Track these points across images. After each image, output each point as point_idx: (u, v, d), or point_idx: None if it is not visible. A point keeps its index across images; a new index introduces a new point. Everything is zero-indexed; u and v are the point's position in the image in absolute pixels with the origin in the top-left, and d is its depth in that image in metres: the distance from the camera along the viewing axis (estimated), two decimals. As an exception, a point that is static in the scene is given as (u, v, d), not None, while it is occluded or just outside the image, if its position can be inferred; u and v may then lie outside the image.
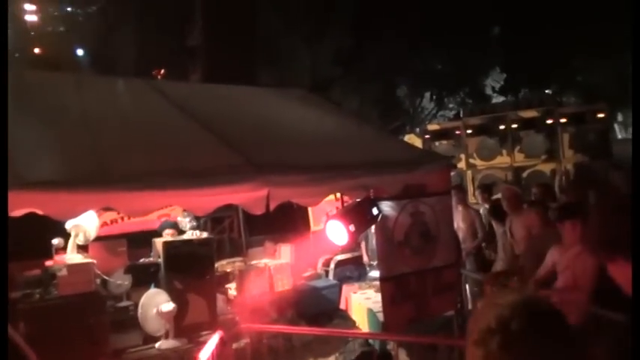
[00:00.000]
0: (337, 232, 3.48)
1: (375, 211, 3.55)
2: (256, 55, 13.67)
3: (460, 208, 5.85)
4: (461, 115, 10.92)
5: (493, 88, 23.04)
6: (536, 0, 17.76)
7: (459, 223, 5.71)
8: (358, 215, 3.46)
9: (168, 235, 5.61)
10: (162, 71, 12.78)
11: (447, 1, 18.28)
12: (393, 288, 3.77)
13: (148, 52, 13.17)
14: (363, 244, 6.17)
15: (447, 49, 20.23)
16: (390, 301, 3.73)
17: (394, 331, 3.68)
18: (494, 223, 5.50)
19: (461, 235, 5.73)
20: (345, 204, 3.81)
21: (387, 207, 3.73)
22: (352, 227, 3.37)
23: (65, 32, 14.43)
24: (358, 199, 3.59)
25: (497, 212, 5.24)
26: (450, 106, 23.90)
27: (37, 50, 14.25)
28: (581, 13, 16.41)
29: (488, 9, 19.32)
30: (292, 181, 3.26)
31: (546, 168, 9.20)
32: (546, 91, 17.45)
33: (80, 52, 14.57)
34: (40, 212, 4.56)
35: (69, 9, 14.41)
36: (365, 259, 6.21)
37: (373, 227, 4.67)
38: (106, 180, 2.72)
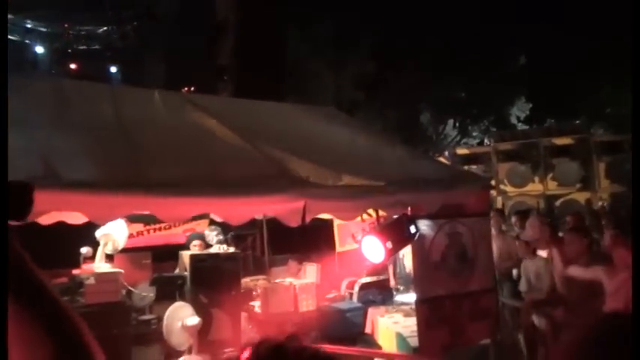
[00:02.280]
0: (373, 249, 3.36)
1: (412, 229, 3.43)
2: (283, 77, 13.88)
3: (495, 233, 5.68)
4: (487, 142, 10.75)
5: (518, 118, 22.78)
6: (562, 30, 17.68)
7: (493, 246, 5.54)
8: (395, 232, 3.35)
9: (195, 247, 5.56)
10: (192, 89, 13.05)
11: (472, 28, 18.32)
12: (427, 311, 3.61)
13: (178, 70, 13.47)
14: (390, 268, 5.99)
15: (471, 77, 20.18)
16: (425, 325, 3.57)
17: (428, 356, 3.50)
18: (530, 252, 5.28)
19: (495, 258, 5.54)
20: (381, 221, 3.69)
21: (424, 226, 3.61)
22: (389, 244, 3.26)
23: (99, 50, 14.91)
24: (395, 216, 3.48)
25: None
26: (474, 134, 23.67)
27: (73, 66, 14.74)
28: (609, 43, 16.24)
29: (515, 37, 19.30)
30: (329, 194, 3.19)
31: (581, 197, 8.91)
32: (575, 122, 17.17)
33: (113, 69, 15.01)
34: (69, 219, 4.59)
35: (104, 28, 14.92)
36: (392, 282, 6.02)
37: (404, 250, 4.56)
38: (144, 185, 2.69)
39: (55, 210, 2.60)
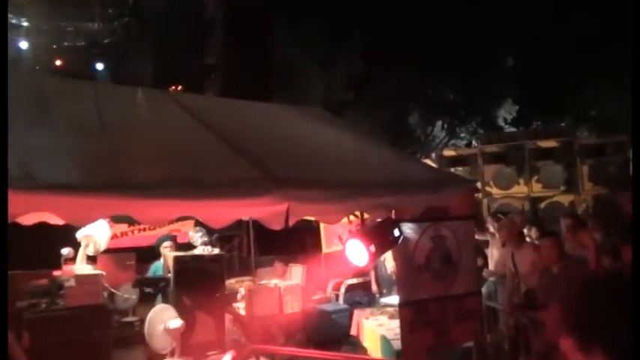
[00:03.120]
0: (357, 252, 3.35)
1: (396, 232, 3.42)
2: (271, 76, 13.82)
3: (497, 236, 5.72)
4: (475, 143, 10.80)
5: (505, 120, 22.97)
6: (550, 33, 17.85)
7: (492, 251, 5.59)
8: (379, 236, 3.33)
9: (166, 249, 5.53)
10: (180, 87, 12.93)
11: (461, 30, 18.42)
12: (411, 314, 3.60)
13: (165, 68, 13.33)
14: (372, 273, 5.98)
15: (460, 79, 20.31)
16: (408, 328, 3.56)
17: (411, 359, 3.49)
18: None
19: (493, 264, 5.60)
20: (365, 224, 3.68)
21: (408, 229, 3.60)
22: (373, 248, 3.24)
23: (86, 46, 14.69)
24: (379, 220, 3.46)
25: None
26: (462, 135, 23.82)
27: (58, 62, 14.50)
28: (596, 46, 16.43)
29: (502, 39, 19.44)
30: (313, 197, 3.16)
31: (565, 199, 9.01)
32: (561, 124, 17.33)
33: (100, 66, 14.80)
34: (51, 220, 4.50)
35: (91, 24, 14.70)
36: (374, 288, 6.02)
37: (386, 253, 4.55)
38: (123, 186, 2.63)
39: (31, 212, 2.54)
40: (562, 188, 9.08)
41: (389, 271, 5.69)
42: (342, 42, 18.33)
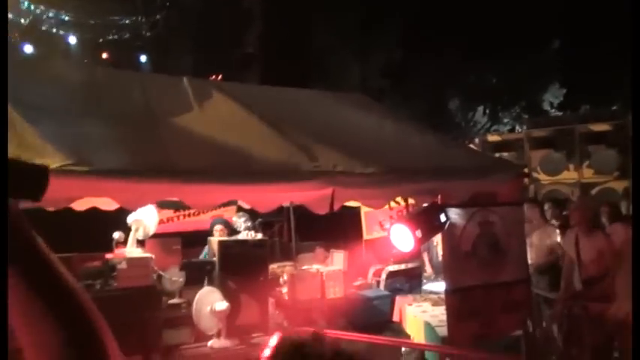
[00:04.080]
0: (403, 238, 3.31)
1: (442, 217, 3.35)
2: (309, 65, 13.79)
3: (535, 223, 5.51)
4: (518, 129, 10.41)
5: (551, 104, 22.03)
6: (599, 13, 16.89)
7: (532, 239, 5.36)
8: (425, 221, 3.28)
9: (217, 232, 5.62)
10: (220, 77, 13.13)
11: (503, 12, 17.70)
12: (458, 301, 3.54)
13: (205, 59, 13.55)
14: (425, 255, 5.92)
15: (503, 62, 19.56)
16: (454, 316, 3.50)
17: (458, 347, 3.44)
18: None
19: (534, 251, 5.38)
20: (410, 209, 3.63)
21: (454, 214, 3.52)
22: (419, 233, 3.20)
23: (129, 40, 15.12)
24: (425, 205, 3.41)
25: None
26: (505, 120, 23.04)
27: (104, 56, 15.01)
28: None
29: (548, 21, 18.56)
30: (358, 182, 3.15)
31: (618, 186, 8.54)
32: (612, 108, 16.48)
33: (143, 58, 15.22)
34: (103, 205, 4.69)
35: (133, 17, 15.11)
36: (428, 270, 5.94)
37: (437, 237, 4.47)
38: (173, 172, 2.70)
39: (86, 196, 2.65)
40: (615, 174, 8.61)
41: (439, 257, 5.64)
42: (379, 29, 18.04)
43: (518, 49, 18.53)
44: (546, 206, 5.79)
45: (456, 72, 19.52)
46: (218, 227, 5.56)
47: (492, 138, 9.98)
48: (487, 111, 22.85)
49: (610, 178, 8.70)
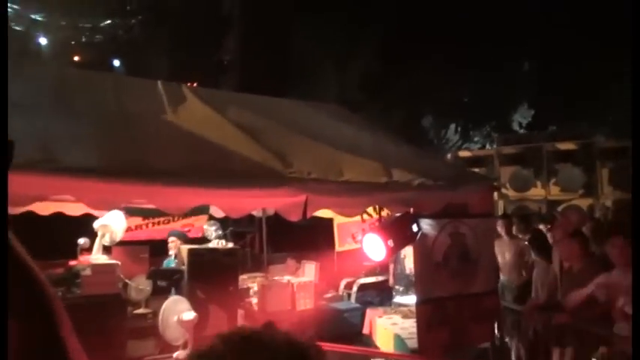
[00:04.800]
0: (375, 247, 3.31)
1: (414, 227, 3.37)
2: (286, 75, 13.81)
3: (507, 238, 5.60)
4: (489, 147, 10.67)
5: (520, 124, 22.70)
6: (567, 37, 17.59)
7: (504, 253, 5.45)
8: (397, 231, 3.29)
9: (172, 244, 5.56)
10: (195, 84, 12.96)
11: (476, 33, 18.25)
12: (429, 312, 3.55)
13: (181, 64, 13.41)
14: (391, 267, 5.93)
15: (475, 82, 20.10)
16: (425, 326, 3.51)
17: (427, 357, 3.44)
18: (535, 257, 5.17)
19: (505, 267, 5.47)
20: (383, 219, 3.63)
21: (426, 225, 3.55)
22: (391, 242, 3.20)
23: (103, 43, 14.85)
24: (397, 214, 3.42)
25: (540, 245, 4.91)
26: (476, 139, 23.59)
27: (76, 58, 14.68)
28: (613, 48, 16.14)
29: (518, 43, 19.23)
30: (331, 189, 3.14)
31: (583, 203, 8.84)
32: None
33: (116, 62, 14.95)
34: (68, 210, 4.53)
35: (108, 21, 14.86)
36: (391, 281, 5.96)
37: (405, 250, 4.50)
38: (144, 173, 2.63)
39: (51, 195, 2.54)
40: (580, 192, 8.91)
41: (407, 270, 5.64)
42: (357, 42, 18.29)
43: (490, 70, 19.09)
44: (514, 221, 5.91)
45: (430, 89, 19.92)
46: (173, 239, 5.48)
47: (464, 154, 10.22)
48: (459, 129, 23.36)
49: (575, 196, 9.00)
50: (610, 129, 19.86)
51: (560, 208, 8.96)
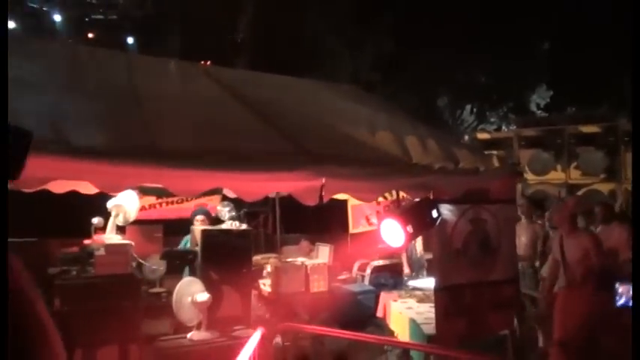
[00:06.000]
0: (393, 233, 3.22)
1: (434, 213, 3.27)
2: (300, 54, 13.59)
3: (524, 221, 5.49)
4: (504, 129, 10.40)
5: (538, 105, 22.17)
6: (587, 16, 16.97)
7: (520, 237, 5.33)
8: (417, 216, 3.19)
9: (198, 222, 5.48)
10: (209, 63, 12.84)
11: (493, 11, 17.70)
12: (447, 299, 3.47)
13: (194, 43, 13.27)
14: (404, 255, 5.85)
15: (492, 62, 19.59)
16: (443, 314, 3.43)
17: (445, 345, 3.37)
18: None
19: (520, 250, 5.35)
20: (401, 204, 3.53)
21: (446, 211, 3.44)
22: (410, 228, 3.10)
23: (117, 20, 14.74)
24: (417, 199, 3.32)
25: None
26: (492, 120, 23.14)
27: (90, 35, 14.62)
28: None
29: (537, 22, 18.62)
30: (349, 173, 3.04)
31: (604, 188, 8.60)
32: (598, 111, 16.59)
33: (130, 40, 14.86)
34: (82, 188, 4.50)
35: (122, -2, 14.75)
36: (406, 270, 5.88)
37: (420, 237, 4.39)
38: (155, 155, 2.55)
39: (62, 177, 2.48)
40: (602, 176, 8.66)
41: (419, 254, 5.55)
42: (371, 22, 17.89)
43: (508, 49, 18.57)
44: (521, 203, 5.78)
45: (445, 69, 19.49)
46: (200, 217, 5.40)
47: (482, 136, 9.97)
48: (475, 110, 22.91)
49: (596, 180, 8.76)
50: (630, 112, 19.29)
51: (580, 192, 8.76)
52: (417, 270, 5.68)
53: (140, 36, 14.83)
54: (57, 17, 14.61)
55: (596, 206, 5.29)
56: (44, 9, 14.61)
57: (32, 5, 14.40)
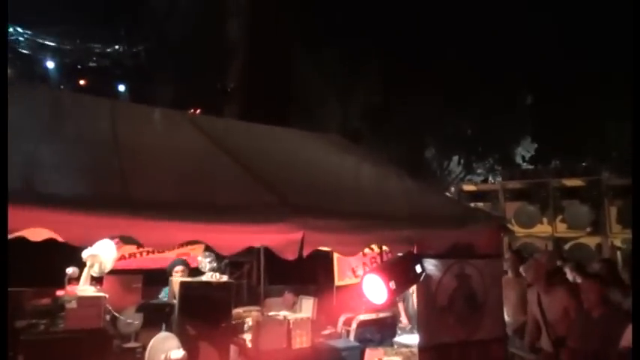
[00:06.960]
0: (375, 289, 3.10)
1: (418, 269, 3.18)
2: (290, 103, 13.85)
3: (511, 275, 5.36)
4: (491, 180, 10.50)
5: (523, 157, 22.61)
6: (570, 71, 17.68)
7: (507, 295, 5.20)
8: (400, 272, 3.09)
9: (177, 274, 5.31)
10: (198, 111, 13.02)
11: (481, 66, 18.38)
12: (431, 359, 3.31)
13: (186, 91, 13.48)
14: (401, 305, 5.67)
15: (479, 114, 20.14)
16: (428, 375, 3.27)
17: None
18: None
19: (509, 306, 5.20)
20: (384, 258, 3.44)
21: (430, 266, 3.35)
22: (393, 284, 3.00)
23: (109, 67, 14.99)
24: (400, 254, 3.23)
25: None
26: (479, 171, 23.47)
27: (82, 82, 14.80)
28: (613, 85, 16.16)
29: (522, 76, 19.35)
30: (330, 226, 2.96)
31: (591, 242, 8.60)
32: (582, 164, 16.93)
33: (122, 87, 15.05)
34: (58, 237, 4.35)
35: (116, 46, 15.05)
36: (404, 321, 5.68)
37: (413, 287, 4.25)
38: (129, 206, 2.47)
39: (29, 227, 2.37)
40: (588, 229, 8.68)
41: (415, 307, 5.39)
42: (360, 72, 18.44)
43: (494, 102, 19.15)
44: (507, 256, 5.67)
45: (433, 120, 19.95)
46: (178, 268, 5.24)
47: (468, 187, 10.02)
48: (462, 161, 23.27)
49: (583, 234, 8.76)
50: (614, 166, 19.69)
51: (567, 246, 8.72)
52: (415, 322, 5.48)
53: (132, 83, 15.06)
54: (50, 64, 14.83)
55: (597, 262, 5.27)
56: (38, 57, 14.85)
57: (26, 52, 14.62)
